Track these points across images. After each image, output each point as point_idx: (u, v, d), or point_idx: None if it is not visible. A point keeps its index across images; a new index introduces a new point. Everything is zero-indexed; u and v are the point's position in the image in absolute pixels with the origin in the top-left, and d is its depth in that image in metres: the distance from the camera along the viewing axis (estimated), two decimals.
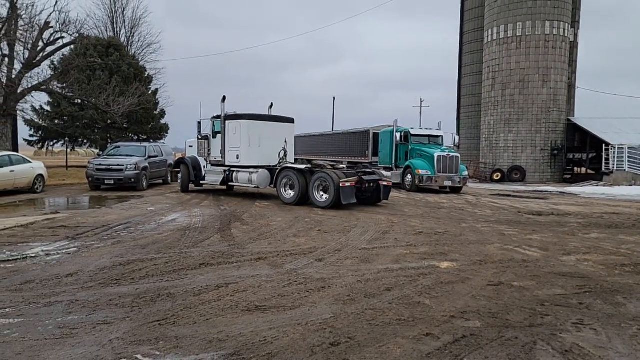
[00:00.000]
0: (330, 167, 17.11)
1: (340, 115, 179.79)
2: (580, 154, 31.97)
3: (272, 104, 18.85)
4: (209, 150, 18.13)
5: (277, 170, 15.89)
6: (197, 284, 5.90)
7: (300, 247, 8.34)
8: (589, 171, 32.29)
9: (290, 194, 15.40)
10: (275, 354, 3.93)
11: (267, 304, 5.21)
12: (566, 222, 12.39)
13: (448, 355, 3.94)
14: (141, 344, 4.07)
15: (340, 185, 13.86)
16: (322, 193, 14.55)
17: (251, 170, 16.66)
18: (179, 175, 19.53)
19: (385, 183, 15.67)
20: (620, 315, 5.03)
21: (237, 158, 17.08)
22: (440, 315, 4.90)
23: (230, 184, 17.83)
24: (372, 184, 15.21)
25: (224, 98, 17.36)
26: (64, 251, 7.72)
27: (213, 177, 18.17)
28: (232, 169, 17.43)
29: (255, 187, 16.91)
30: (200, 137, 18.42)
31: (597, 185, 26.82)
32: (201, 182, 18.83)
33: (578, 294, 5.79)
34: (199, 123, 18.31)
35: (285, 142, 16.48)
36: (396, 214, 13.43)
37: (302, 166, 15.68)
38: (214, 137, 17.82)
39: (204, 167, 18.73)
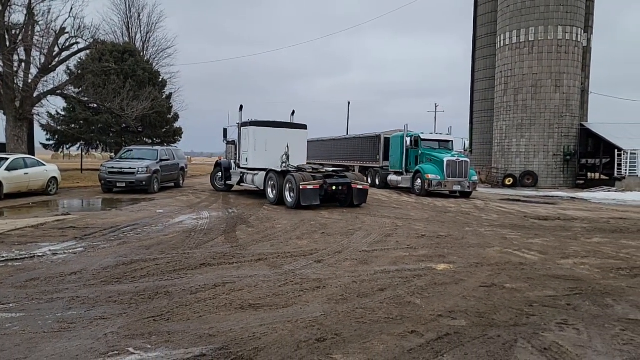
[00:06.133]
0: (339, 170, 17.46)
1: (352, 121, 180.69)
2: (594, 159, 31.63)
3: (293, 111, 19.81)
4: (235, 154, 19.64)
5: (266, 173, 16.68)
6: (195, 283, 6.07)
7: (301, 249, 8.48)
8: (603, 177, 31.94)
9: (273, 194, 16.23)
10: (262, 348, 4.07)
11: (261, 302, 5.35)
12: (571, 226, 12.37)
13: (429, 352, 4.04)
14: (134, 338, 4.24)
15: (301, 187, 14.56)
16: (291, 193, 15.19)
17: (255, 172, 17.70)
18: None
19: (360, 186, 15.95)
20: (606, 316, 5.09)
21: (246, 161, 18.23)
22: (428, 315, 5.00)
23: (241, 184, 19.06)
24: (339, 187, 15.53)
25: (241, 107, 18.85)
26: (70, 251, 7.95)
27: (234, 178, 19.77)
28: (243, 171, 18.67)
29: (256, 187, 17.89)
30: (226, 142, 20.27)
31: (609, 191, 26.56)
32: (227, 182, 20.34)
33: (568, 295, 5.85)
34: (225, 130, 20.04)
35: (287, 147, 17.22)
36: (402, 217, 13.51)
37: (279, 169, 16.34)
38: (239, 142, 19.14)
39: (232, 169, 20.12)
